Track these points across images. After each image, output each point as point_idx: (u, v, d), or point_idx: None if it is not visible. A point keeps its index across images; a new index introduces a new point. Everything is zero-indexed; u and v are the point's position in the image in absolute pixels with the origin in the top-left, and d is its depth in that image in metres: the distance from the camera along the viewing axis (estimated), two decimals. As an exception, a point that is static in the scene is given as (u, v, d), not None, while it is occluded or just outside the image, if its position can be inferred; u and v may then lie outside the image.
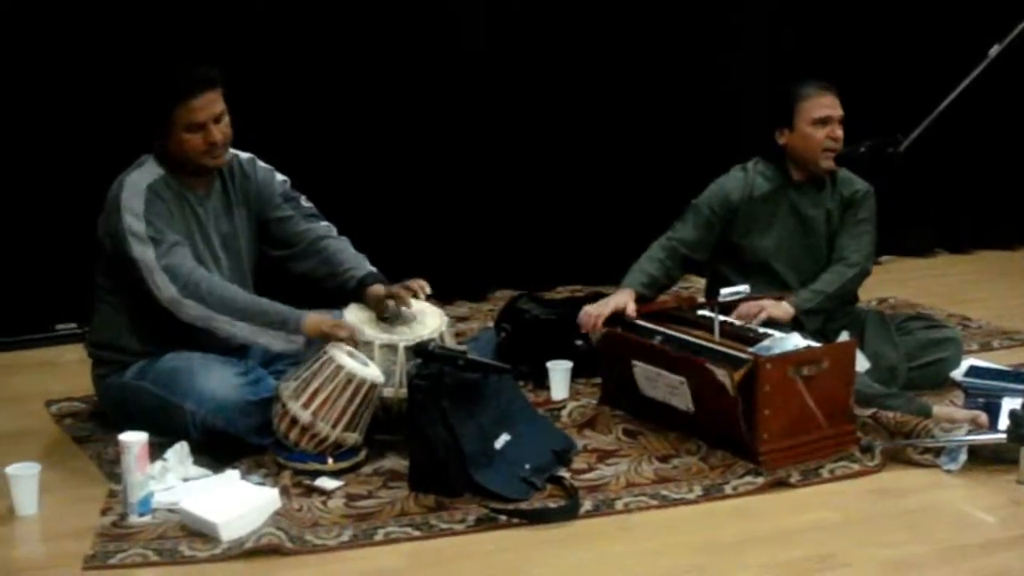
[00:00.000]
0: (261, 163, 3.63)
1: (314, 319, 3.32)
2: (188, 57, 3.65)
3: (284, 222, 3.63)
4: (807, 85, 3.90)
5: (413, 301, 3.51)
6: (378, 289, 3.50)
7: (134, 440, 2.97)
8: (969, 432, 3.40)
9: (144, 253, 3.29)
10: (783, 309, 3.74)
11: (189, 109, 3.32)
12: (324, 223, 3.67)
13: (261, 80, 4.56)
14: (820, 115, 3.84)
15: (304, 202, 3.66)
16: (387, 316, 3.47)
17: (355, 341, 3.32)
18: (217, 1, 4.59)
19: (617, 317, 3.71)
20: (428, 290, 3.52)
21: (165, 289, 3.28)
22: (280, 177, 3.65)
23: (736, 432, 3.30)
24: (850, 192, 3.97)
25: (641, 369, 3.55)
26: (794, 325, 3.71)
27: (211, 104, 3.35)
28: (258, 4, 4.68)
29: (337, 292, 3.58)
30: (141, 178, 3.36)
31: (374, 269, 3.59)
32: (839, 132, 3.87)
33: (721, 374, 3.26)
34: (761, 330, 3.62)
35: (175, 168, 3.41)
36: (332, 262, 3.60)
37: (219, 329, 3.30)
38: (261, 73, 4.58)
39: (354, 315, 3.46)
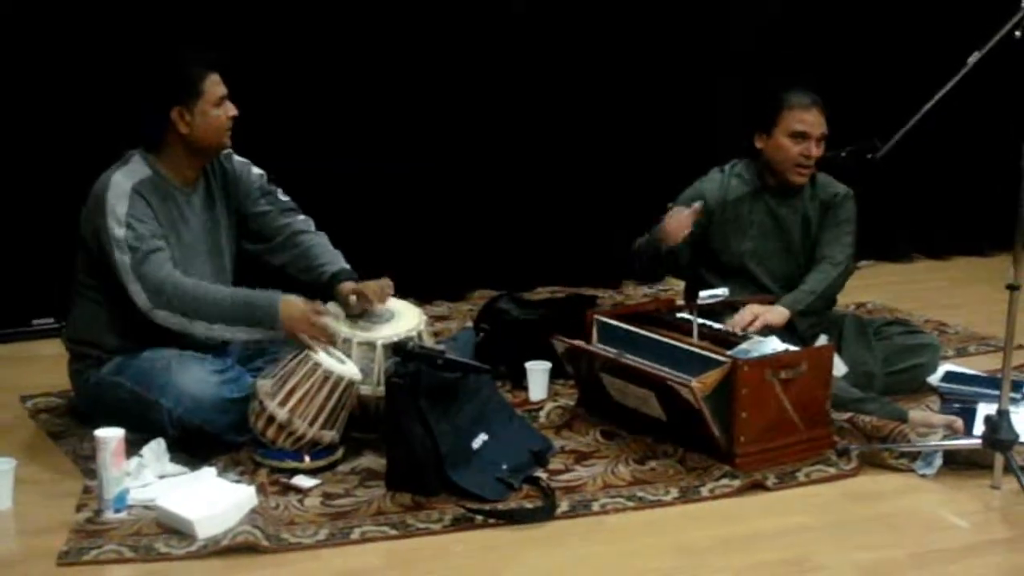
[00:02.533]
0: (237, 157, 3.62)
1: (290, 319, 3.28)
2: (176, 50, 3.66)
3: (262, 217, 3.62)
4: (796, 94, 3.85)
5: (391, 300, 3.52)
6: (348, 286, 3.50)
7: (110, 436, 2.95)
8: (945, 437, 3.42)
9: (122, 259, 3.27)
10: (778, 313, 3.72)
11: (214, 81, 3.38)
12: (302, 217, 3.67)
13: (240, 72, 4.53)
14: (798, 129, 3.80)
15: (281, 196, 3.66)
16: (352, 314, 3.46)
17: (330, 343, 3.30)
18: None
19: (585, 334, 3.70)
20: (390, 292, 3.52)
21: (139, 298, 3.27)
22: (256, 171, 3.64)
23: (709, 439, 3.30)
24: (829, 195, 3.96)
25: (609, 380, 3.55)
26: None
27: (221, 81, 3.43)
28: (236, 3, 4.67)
29: (310, 287, 3.57)
30: (127, 178, 3.33)
31: (348, 266, 3.59)
32: (815, 151, 3.82)
33: (684, 391, 3.25)
34: (740, 332, 3.63)
35: (175, 158, 3.39)
36: (308, 256, 3.60)
37: (197, 334, 3.29)
38: (239, 65, 4.54)
39: (332, 312, 3.45)
